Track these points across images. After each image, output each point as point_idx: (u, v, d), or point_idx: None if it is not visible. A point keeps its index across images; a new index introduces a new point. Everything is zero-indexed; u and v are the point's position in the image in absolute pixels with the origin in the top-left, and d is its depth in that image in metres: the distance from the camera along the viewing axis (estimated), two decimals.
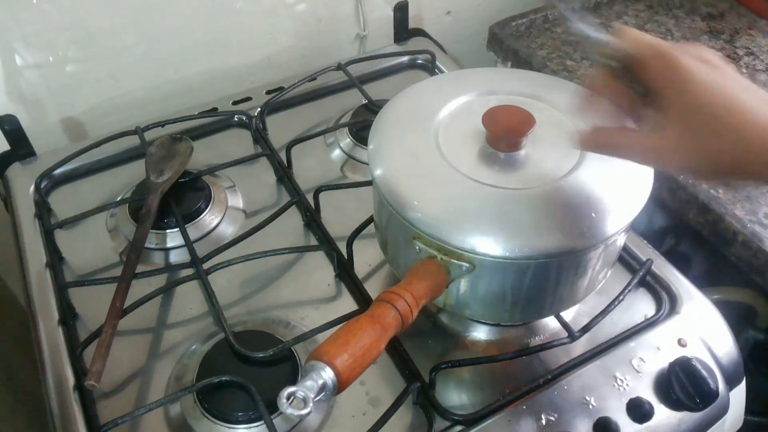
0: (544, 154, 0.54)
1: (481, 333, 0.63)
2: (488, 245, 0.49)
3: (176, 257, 0.70)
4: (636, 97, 0.46)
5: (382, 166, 0.55)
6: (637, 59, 0.44)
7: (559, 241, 0.49)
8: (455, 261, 0.50)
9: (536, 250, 0.49)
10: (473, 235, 0.49)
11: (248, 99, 0.90)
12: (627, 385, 0.57)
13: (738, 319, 0.71)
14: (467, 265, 0.50)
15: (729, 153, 0.41)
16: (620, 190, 0.52)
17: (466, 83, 0.63)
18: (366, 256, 0.68)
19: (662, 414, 0.56)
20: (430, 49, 0.95)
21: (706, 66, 0.42)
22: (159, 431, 0.56)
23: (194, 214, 0.73)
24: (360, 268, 0.68)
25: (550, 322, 0.63)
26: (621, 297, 0.62)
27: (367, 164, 0.79)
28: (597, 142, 0.48)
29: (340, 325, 0.49)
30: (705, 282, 0.68)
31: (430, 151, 0.55)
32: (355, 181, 0.76)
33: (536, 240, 0.49)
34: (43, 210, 0.74)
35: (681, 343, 0.60)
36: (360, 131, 0.82)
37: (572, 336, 0.59)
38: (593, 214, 0.50)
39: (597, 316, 0.61)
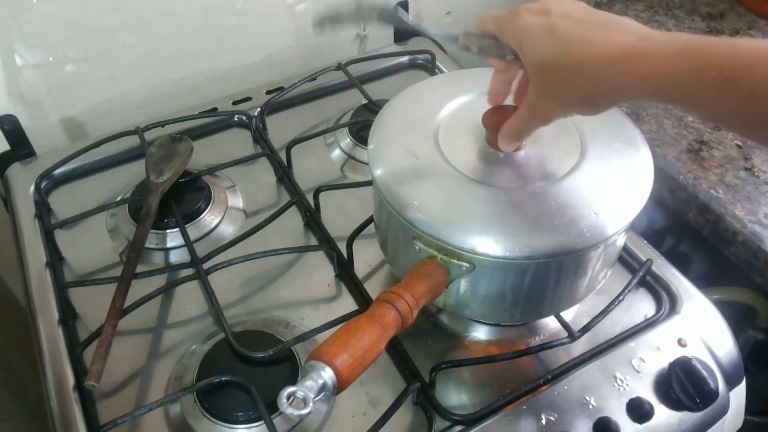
0: (543, 154, 0.54)
1: (481, 333, 0.63)
2: (488, 245, 0.49)
3: (176, 257, 0.70)
4: (514, 64, 0.50)
5: (382, 166, 0.55)
6: (495, 32, 0.48)
7: (559, 241, 0.49)
8: (455, 261, 0.50)
9: (536, 250, 0.49)
10: (473, 235, 0.49)
11: (248, 99, 0.90)
12: (627, 385, 0.57)
13: (738, 319, 0.71)
14: (467, 265, 0.50)
15: (585, 92, 0.43)
16: (620, 190, 0.52)
17: (466, 83, 0.63)
18: (366, 256, 0.68)
19: (662, 414, 0.56)
20: (430, 49, 0.95)
21: (542, 17, 0.44)
22: (159, 431, 0.56)
23: (194, 214, 0.73)
24: (360, 268, 0.68)
25: (550, 322, 0.63)
26: (621, 297, 0.62)
27: (367, 164, 0.79)
28: (505, 138, 0.51)
29: (340, 325, 0.49)
30: (705, 282, 0.68)
31: (430, 151, 0.55)
32: (355, 181, 0.76)
33: (536, 240, 0.49)
34: (43, 210, 0.74)
35: (681, 343, 0.60)
36: (360, 131, 0.82)
37: (572, 336, 0.59)
38: (593, 214, 0.50)
39: (597, 316, 0.61)
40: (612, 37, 0.41)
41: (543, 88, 0.45)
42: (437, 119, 0.58)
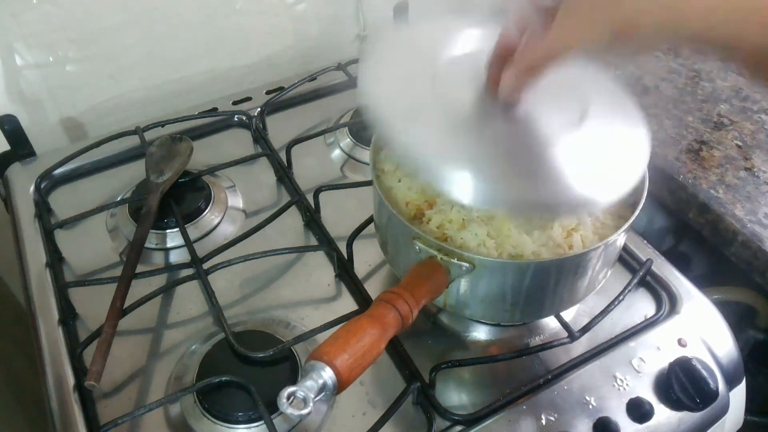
0: (544, 115, 0.50)
1: (481, 333, 0.63)
2: (468, 190, 0.46)
3: (176, 257, 0.70)
4: None
5: (373, 92, 0.51)
6: None
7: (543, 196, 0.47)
8: (455, 261, 0.50)
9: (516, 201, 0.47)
10: (458, 175, 0.46)
11: (248, 99, 0.90)
12: (627, 385, 0.57)
13: (738, 319, 0.71)
14: (467, 265, 0.50)
15: (625, 21, 0.39)
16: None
17: (467, 30, 0.57)
18: (366, 256, 0.68)
19: (662, 414, 0.56)
20: None
21: None
22: (159, 431, 0.56)
23: (194, 214, 0.73)
24: (360, 268, 0.68)
25: (550, 322, 0.63)
26: (621, 297, 0.62)
27: (367, 164, 0.79)
28: (518, 72, 0.46)
29: (340, 325, 0.49)
30: (705, 282, 0.68)
31: (425, 88, 0.51)
32: (355, 181, 0.76)
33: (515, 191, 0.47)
34: (43, 210, 0.74)
35: (681, 343, 0.60)
36: (360, 131, 0.82)
37: (572, 336, 0.59)
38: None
39: (597, 316, 0.61)
40: None
41: (576, 12, 0.41)
42: (437, 56, 0.54)
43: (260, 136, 0.83)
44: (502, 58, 0.48)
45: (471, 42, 0.55)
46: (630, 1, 0.39)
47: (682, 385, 0.56)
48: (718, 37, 0.38)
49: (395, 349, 0.59)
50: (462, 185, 0.46)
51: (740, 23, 0.36)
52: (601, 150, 0.49)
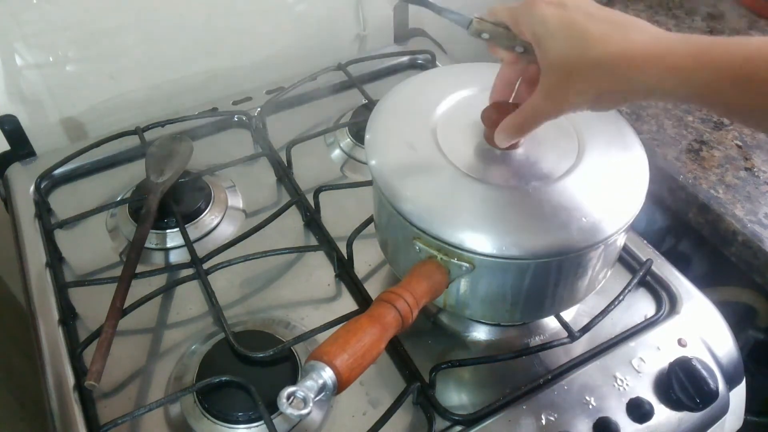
0: (542, 153, 0.54)
1: (481, 333, 0.63)
2: (482, 243, 0.49)
3: (176, 257, 0.70)
4: (521, 58, 0.50)
5: (378, 156, 0.55)
6: (508, 23, 0.48)
7: (560, 241, 0.49)
8: (455, 261, 0.50)
9: (536, 250, 0.49)
10: (467, 232, 0.49)
11: (248, 99, 0.90)
12: (627, 385, 0.57)
13: (738, 319, 0.71)
14: (467, 265, 0.50)
15: (600, 88, 0.43)
16: (619, 191, 0.52)
17: (466, 77, 0.62)
18: (366, 256, 0.68)
19: (662, 414, 0.56)
20: (430, 49, 0.95)
21: (559, 9, 0.44)
22: (159, 431, 0.56)
23: (194, 214, 0.73)
24: (360, 268, 0.68)
25: (550, 322, 0.63)
26: (621, 297, 0.62)
27: (366, 164, 0.79)
28: (506, 132, 0.50)
29: (340, 325, 0.49)
30: (705, 282, 0.68)
31: (428, 144, 0.55)
32: (355, 181, 0.76)
33: (536, 240, 0.49)
34: (43, 210, 0.74)
35: (681, 343, 0.60)
36: (360, 131, 0.82)
37: (572, 336, 0.59)
38: (593, 214, 0.50)
39: (597, 316, 0.61)
40: (629, 36, 0.41)
41: (556, 82, 0.44)
42: (436, 112, 0.58)
43: (260, 136, 0.83)
44: (496, 109, 0.52)
45: (465, 87, 0.60)
46: (600, 75, 0.42)
47: (682, 385, 0.56)
48: (689, 97, 0.41)
49: (395, 349, 0.59)
50: (473, 237, 0.49)
51: (708, 83, 0.39)
52: (603, 182, 0.53)
